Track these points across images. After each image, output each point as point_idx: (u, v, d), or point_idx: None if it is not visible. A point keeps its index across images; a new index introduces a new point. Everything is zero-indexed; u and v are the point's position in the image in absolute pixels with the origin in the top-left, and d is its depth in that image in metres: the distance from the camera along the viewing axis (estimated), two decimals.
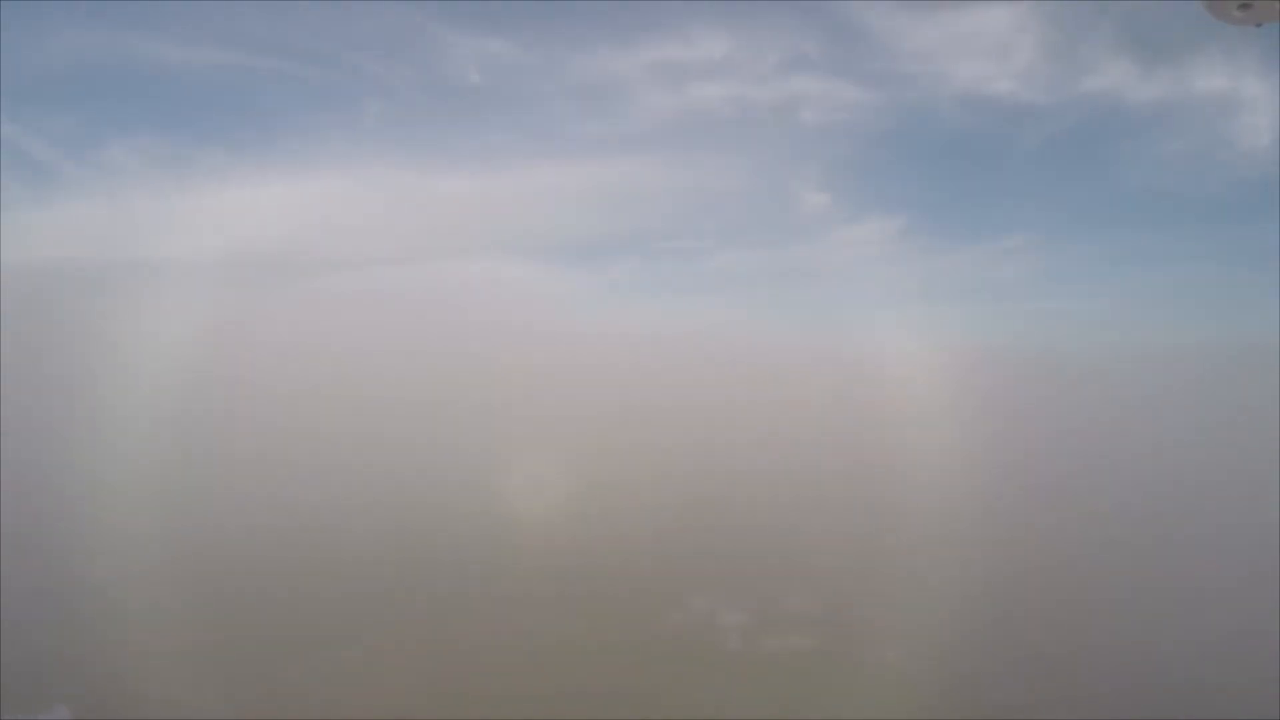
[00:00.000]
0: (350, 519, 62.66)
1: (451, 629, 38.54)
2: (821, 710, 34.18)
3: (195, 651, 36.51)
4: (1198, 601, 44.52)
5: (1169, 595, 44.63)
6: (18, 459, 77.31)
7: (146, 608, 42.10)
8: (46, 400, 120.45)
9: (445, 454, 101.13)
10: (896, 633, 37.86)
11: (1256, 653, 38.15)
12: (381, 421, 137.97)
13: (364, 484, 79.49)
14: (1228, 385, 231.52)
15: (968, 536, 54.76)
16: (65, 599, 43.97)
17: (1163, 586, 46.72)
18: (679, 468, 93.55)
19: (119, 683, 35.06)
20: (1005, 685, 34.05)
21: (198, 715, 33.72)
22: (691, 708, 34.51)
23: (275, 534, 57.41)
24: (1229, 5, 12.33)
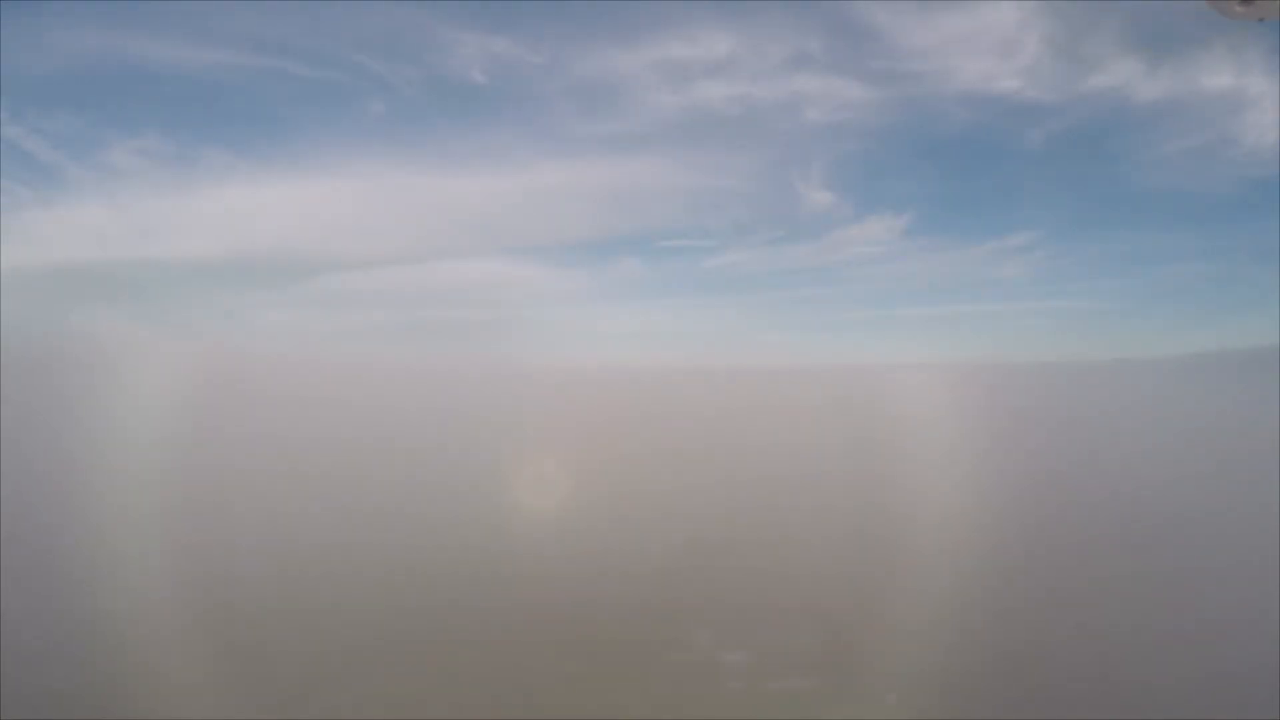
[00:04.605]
0: (345, 528, 62.35)
1: (441, 665, 38.05)
2: None
3: (196, 668, 36.24)
4: (1209, 619, 44.22)
5: (1184, 618, 44.25)
6: (18, 462, 77.35)
7: (146, 616, 41.87)
8: (48, 402, 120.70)
9: (441, 459, 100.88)
10: (900, 671, 37.34)
11: (1257, 655, 37.91)
12: (380, 424, 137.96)
13: (361, 488, 79.34)
14: (1235, 384, 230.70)
15: (976, 560, 54.25)
16: (66, 603, 43.67)
17: (1178, 608, 46.27)
18: (680, 474, 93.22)
19: (119, 688, 34.80)
20: None
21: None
22: None
23: (274, 544, 57.14)
24: (1231, 3, 12.13)
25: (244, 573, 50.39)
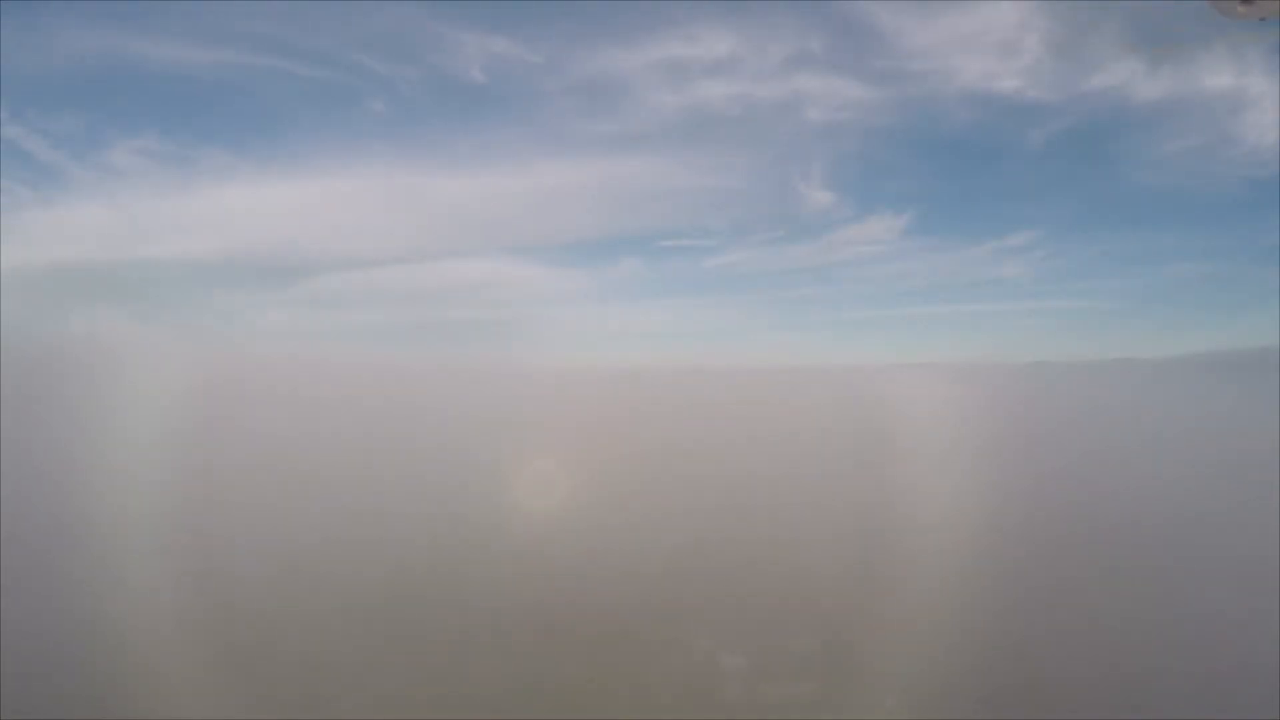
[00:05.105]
0: (345, 529, 62.22)
1: (437, 666, 37.91)
2: None
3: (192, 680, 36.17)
4: (1209, 619, 44.21)
5: (1184, 619, 44.23)
6: (19, 461, 77.32)
7: (147, 617, 41.81)
8: (49, 401, 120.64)
9: (442, 459, 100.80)
10: (900, 676, 37.22)
11: (1257, 655, 37.98)
12: (381, 424, 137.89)
13: (362, 489, 79.22)
14: (1236, 385, 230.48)
15: (977, 561, 54.11)
16: (67, 605, 43.64)
17: (1178, 608, 46.23)
18: (679, 474, 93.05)
19: (122, 690, 34.81)
20: None
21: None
22: None
23: (274, 545, 57.06)
24: (1233, 2, 12.13)
25: (244, 573, 50.33)
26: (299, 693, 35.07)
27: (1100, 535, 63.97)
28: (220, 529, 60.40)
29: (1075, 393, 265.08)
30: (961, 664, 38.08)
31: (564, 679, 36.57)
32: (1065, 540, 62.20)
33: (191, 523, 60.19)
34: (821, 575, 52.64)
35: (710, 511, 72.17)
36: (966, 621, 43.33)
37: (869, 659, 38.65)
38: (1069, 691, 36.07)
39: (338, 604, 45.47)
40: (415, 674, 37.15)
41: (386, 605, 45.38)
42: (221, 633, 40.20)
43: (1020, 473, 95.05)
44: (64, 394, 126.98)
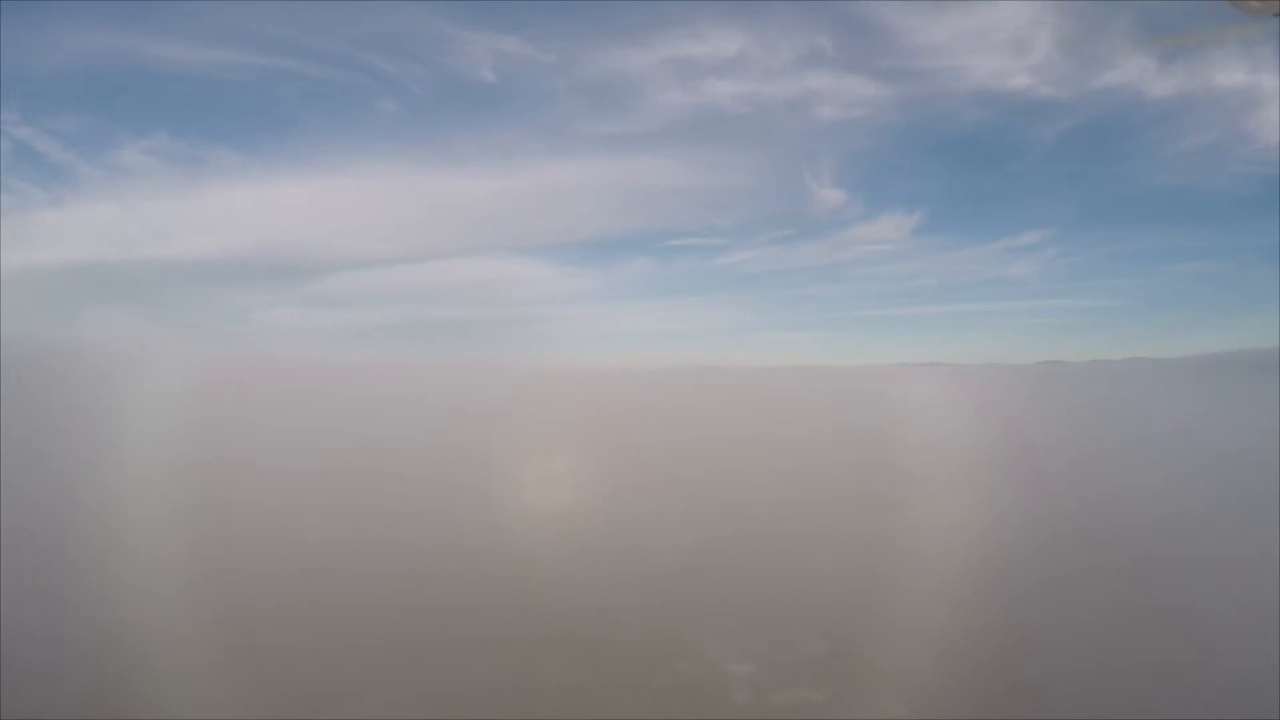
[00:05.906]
0: (349, 530, 62.15)
1: (439, 670, 37.78)
2: None
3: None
4: (1210, 620, 43.81)
5: (1185, 619, 43.82)
6: (23, 461, 77.75)
7: (152, 621, 41.81)
8: (57, 399, 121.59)
9: (450, 459, 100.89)
10: (910, 682, 36.86)
11: (1257, 655, 37.71)
12: (392, 425, 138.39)
13: (368, 490, 79.35)
14: (1250, 384, 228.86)
15: (989, 565, 53.61)
16: (72, 609, 43.71)
17: (1180, 609, 45.76)
18: (688, 475, 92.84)
19: (123, 690, 34.77)
20: None
21: None
22: None
23: (278, 546, 57.08)
24: None
25: (247, 573, 50.38)
26: (302, 694, 35.00)
27: (1106, 535, 63.42)
28: (224, 529, 60.54)
29: (1085, 393, 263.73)
30: (970, 668, 37.74)
31: (566, 684, 36.33)
32: (1073, 541, 61.66)
33: (195, 523, 60.39)
34: (829, 578, 52.20)
35: (717, 513, 71.82)
36: (976, 625, 42.95)
37: (878, 664, 38.28)
38: (1073, 692, 35.78)
39: (339, 605, 45.40)
40: (415, 676, 37.03)
41: (388, 606, 45.25)
42: (223, 633, 40.19)
43: (1028, 473, 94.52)
44: (73, 392, 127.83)
